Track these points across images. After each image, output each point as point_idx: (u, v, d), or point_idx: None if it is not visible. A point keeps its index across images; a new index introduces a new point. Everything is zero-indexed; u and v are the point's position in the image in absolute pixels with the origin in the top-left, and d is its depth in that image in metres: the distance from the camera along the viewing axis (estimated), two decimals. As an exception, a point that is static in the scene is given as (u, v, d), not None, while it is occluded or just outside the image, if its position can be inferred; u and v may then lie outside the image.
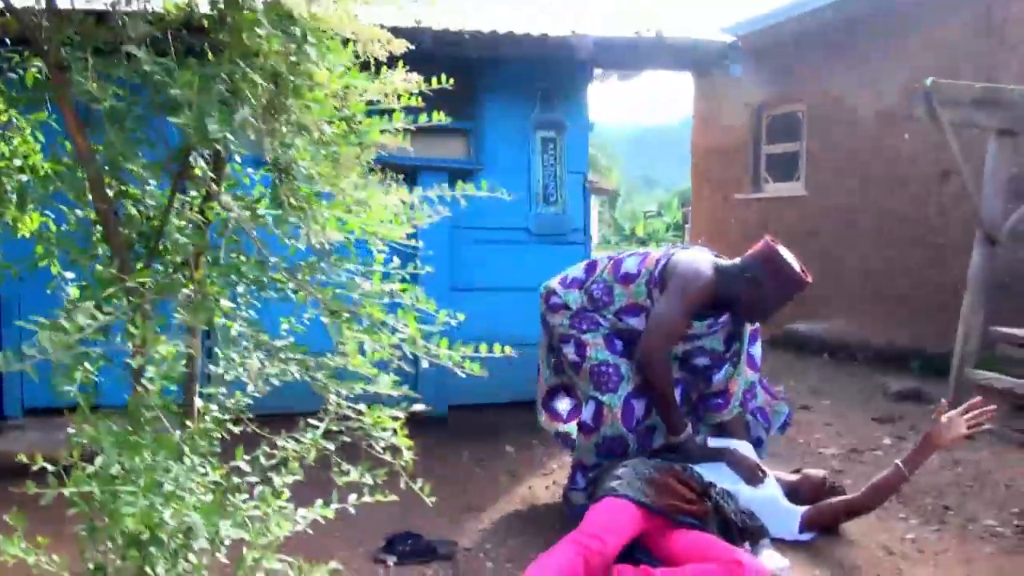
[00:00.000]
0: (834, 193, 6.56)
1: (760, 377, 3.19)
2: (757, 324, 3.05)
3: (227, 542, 1.58)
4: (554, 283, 3.12)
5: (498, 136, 4.37)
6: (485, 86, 4.33)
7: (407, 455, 1.55)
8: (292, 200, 1.35)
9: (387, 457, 1.57)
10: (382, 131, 1.63)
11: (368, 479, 1.60)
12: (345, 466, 1.57)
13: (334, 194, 1.55)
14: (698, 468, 2.76)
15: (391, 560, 2.55)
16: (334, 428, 1.60)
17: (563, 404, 3.26)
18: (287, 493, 1.71)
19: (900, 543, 2.82)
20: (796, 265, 2.75)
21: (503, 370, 4.57)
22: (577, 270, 3.12)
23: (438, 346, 1.55)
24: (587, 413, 2.86)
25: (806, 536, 2.76)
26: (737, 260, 2.86)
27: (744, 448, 2.93)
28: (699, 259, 2.83)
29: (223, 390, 1.67)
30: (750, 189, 7.64)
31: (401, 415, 1.57)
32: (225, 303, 1.60)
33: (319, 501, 1.69)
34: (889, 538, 2.86)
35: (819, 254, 6.69)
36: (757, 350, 3.08)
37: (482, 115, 4.35)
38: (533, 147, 4.40)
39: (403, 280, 1.73)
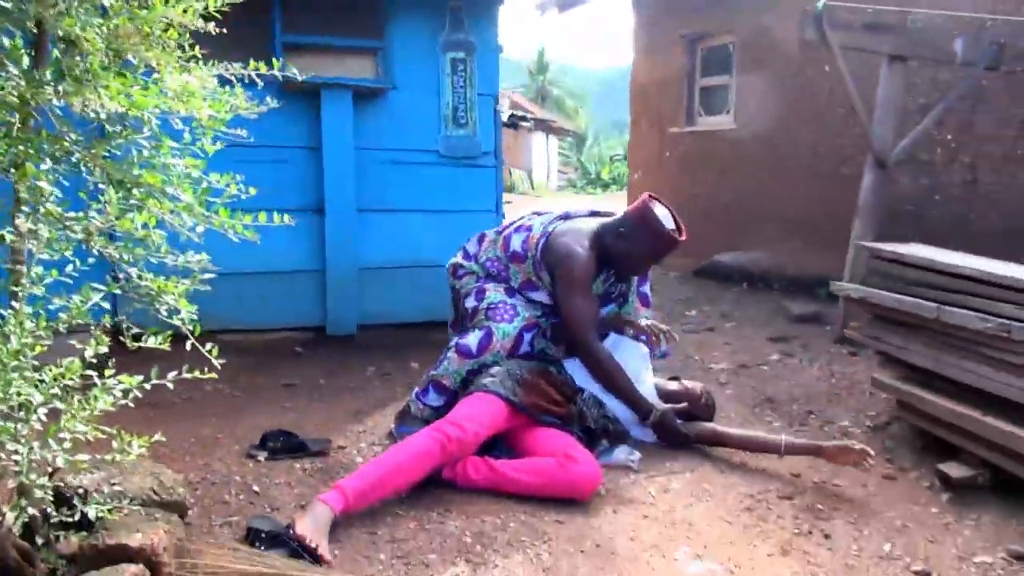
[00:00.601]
0: (760, 126, 6.64)
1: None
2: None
3: (43, 411, 1.66)
4: (458, 259, 3.20)
5: (407, 56, 4.35)
6: (394, 4, 4.30)
7: (185, 314, 1.61)
8: (74, 73, 1.38)
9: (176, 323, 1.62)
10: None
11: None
12: (136, 331, 1.62)
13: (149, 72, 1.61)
14: (573, 373, 2.88)
15: (262, 455, 2.65)
16: (120, 291, 1.65)
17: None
18: (111, 370, 1.78)
19: (756, 442, 3.00)
20: (669, 223, 2.81)
21: (415, 291, 4.66)
22: (472, 244, 3.21)
23: (218, 214, 1.59)
24: (473, 339, 2.85)
25: None
26: (617, 216, 2.96)
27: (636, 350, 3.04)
28: (573, 238, 2.83)
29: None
30: (684, 123, 7.69)
31: (188, 283, 1.63)
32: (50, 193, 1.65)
33: (138, 378, 1.77)
34: (747, 438, 3.03)
35: (745, 187, 6.82)
36: (647, 288, 3.19)
37: (391, 34, 4.33)
38: (443, 68, 4.40)
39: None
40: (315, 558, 1.90)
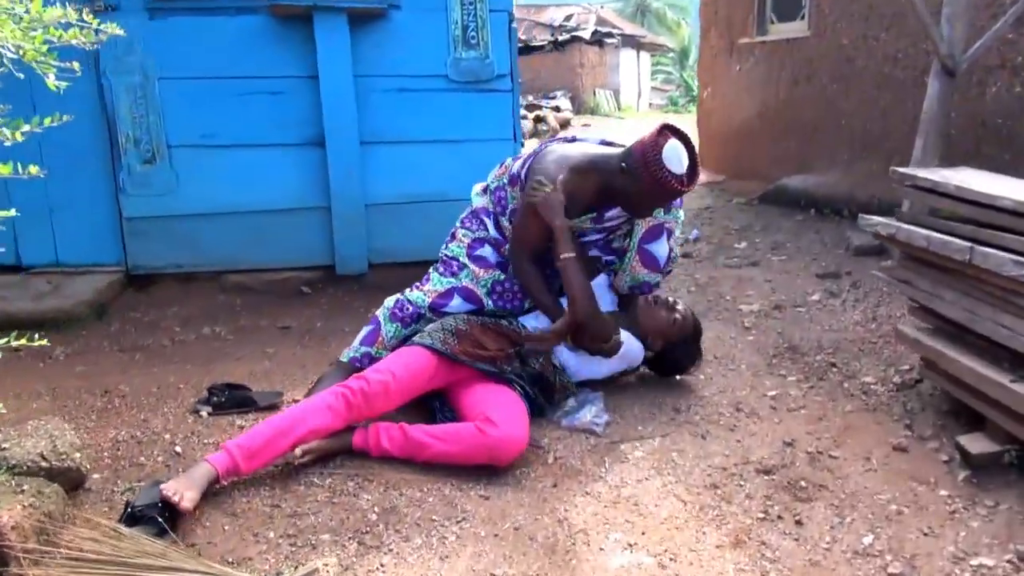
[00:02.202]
0: (837, 33, 5.89)
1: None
2: (670, 221, 2.67)
3: None
4: (475, 191, 2.95)
5: (412, -28, 4.01)
6: (395, -86, 3.94)
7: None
8: None
9: None
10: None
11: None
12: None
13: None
14: (529, 322, 2.59)
15: (205, 410, 2.52)
16: None
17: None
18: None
19: (757, 400, 2.64)
20: (678, 166, 2.34)
21: (427, 227, 4.43)
22: (492, 173, 2.91)
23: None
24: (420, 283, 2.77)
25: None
26: (625, 146, 2.53)
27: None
28: (556, 161, 2.51)
29: None
30: (755, 32, 6.96)
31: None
32: None
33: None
34: (749, 395, 2.68)
35: (818, 103, 6.14)
36: (661, 248, 2.65)
37: (394, -52, 3.98)
38: (450, -17, 4.03)
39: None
40: (171, 512, 1.76)
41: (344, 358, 2.64)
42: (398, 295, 2.72)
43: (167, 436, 2.35)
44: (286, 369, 2.99)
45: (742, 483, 2.10)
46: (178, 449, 2.26)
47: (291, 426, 2.03)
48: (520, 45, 18.45)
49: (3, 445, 1.92)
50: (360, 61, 3.96)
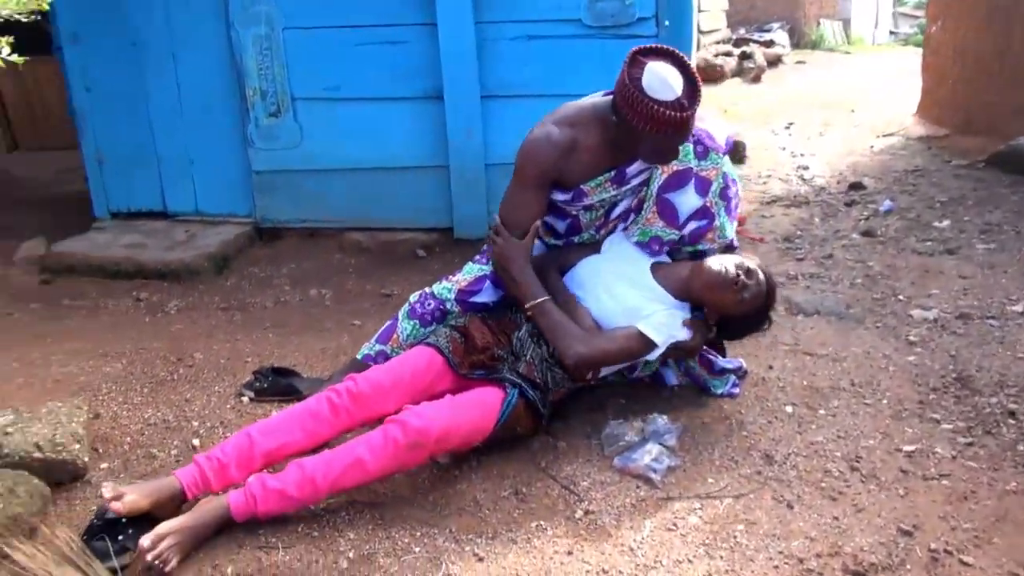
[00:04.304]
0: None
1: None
2: (707, 168, 2.19)
3: None
4: None
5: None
6: None
7: None
8: None
9: None
10: None
11: None
12: None
13: None
14: None
15: (248, 395, 2.39)
16: None
17: None
18: None
19: (886, 456, 2.04)
20: (667, 91, 1.91)
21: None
22: None
23: None
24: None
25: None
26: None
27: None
28: (548, 119, 2.14)
29: None
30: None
31: None
32: None
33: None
34: (877, 446, 2.08)
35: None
36: (686, 199, 2.20)
37: None
38: (589, -91, 3.51)
39: None
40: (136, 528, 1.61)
41: (359, 355, 2.39)
42: (425, 288, 2.41)
43: (195, 424, 2.23)
44: (359, 348, 2.80)
45: (817, 588, 1.59)
46: (196, 443, 2.13)
47: (263, 438, 1.81)
48: (736, -29, 16.80)
49: (8, 431, 1.88)
50: (483, 5, 3.60)
